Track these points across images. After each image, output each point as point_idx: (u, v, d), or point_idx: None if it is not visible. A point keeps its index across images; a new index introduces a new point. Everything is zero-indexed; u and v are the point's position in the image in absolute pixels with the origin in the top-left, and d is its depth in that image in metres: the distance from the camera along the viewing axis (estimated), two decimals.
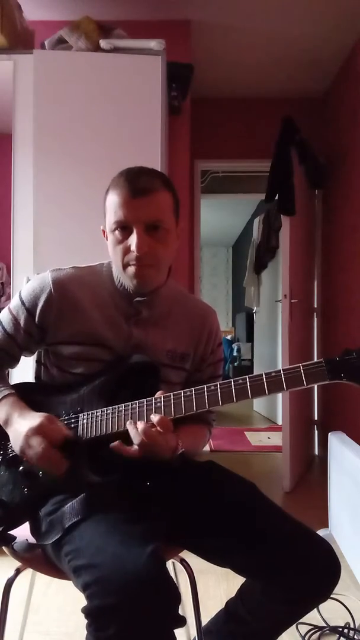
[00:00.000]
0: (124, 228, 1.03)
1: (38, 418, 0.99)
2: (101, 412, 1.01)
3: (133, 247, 1.01)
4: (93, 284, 1.12)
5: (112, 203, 1.04)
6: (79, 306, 1.08)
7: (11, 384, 1.13)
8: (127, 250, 1.03)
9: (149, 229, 1.02)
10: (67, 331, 1.08)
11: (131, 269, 1.04)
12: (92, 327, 1.08)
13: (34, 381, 1.19)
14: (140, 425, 0.94)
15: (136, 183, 1.01)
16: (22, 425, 0.99)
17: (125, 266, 1.05)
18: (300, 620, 1.28)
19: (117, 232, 1.04)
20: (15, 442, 1.00)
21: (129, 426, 0.96)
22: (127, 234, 1.03)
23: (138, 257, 1.02)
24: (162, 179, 1.06)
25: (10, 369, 1.19)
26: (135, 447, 0.94)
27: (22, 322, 1.10)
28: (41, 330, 1.10)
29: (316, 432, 3.58)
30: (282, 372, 0.91)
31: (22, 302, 1.10)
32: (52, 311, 1.08)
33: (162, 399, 0.97)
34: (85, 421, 1.02)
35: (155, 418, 0.94)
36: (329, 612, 1.60)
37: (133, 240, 1.02)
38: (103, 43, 2.16)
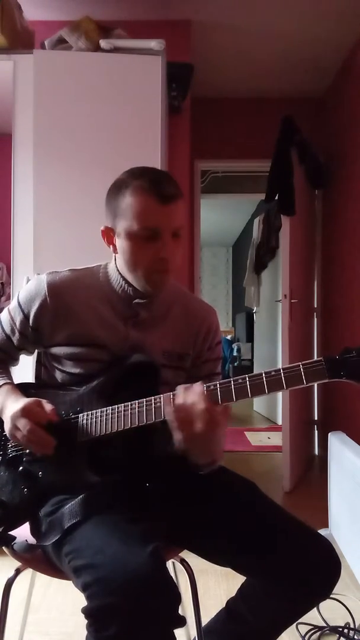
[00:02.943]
0: (151, 234, 1.02)
1: (23, 402, 1.01)
2: (101, 412, 1.01)
3: (164, 255, 1.01)
4: (89, 286, 1.11)
5: (137, 207, 1.01)
6: (73, 309, 1.08)
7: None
8: (154, 256, 1.02)
9: (173, 235, 1.03)
10: (63, 334, 1.08)
11: (157, 275, 1.04)
12: (87, 328, 1.08)
13: (34, 381, 1.20)
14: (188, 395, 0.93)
15: (163, 189, 1.00)
16: (12, 410, 1.01)
17: (150, 272, 1.04)
18: (300, 620, 1.28)
19: (142, 237, 1.02)
20: (6, 426, 1.02)
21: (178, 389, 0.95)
22: (154, 240, 1.02)
23: (168, 263, 1.03)
24: (177, 184, 1.06)
25: (11, 367, 1.20)
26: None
27: (17, 323, 1.12)
28: (36, 332, 1.11)
29: (316, 432, 3.58)
30: (281, 370, 0.91)
31: (19, 305, 1.12)
32: (46, 315, 1.08)
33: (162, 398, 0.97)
34: (85, 421, 1.02)
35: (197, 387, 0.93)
36: (329, 612, 1.60)
37: (163, 247, 1.01)
38: (103, 43, 2.16)
